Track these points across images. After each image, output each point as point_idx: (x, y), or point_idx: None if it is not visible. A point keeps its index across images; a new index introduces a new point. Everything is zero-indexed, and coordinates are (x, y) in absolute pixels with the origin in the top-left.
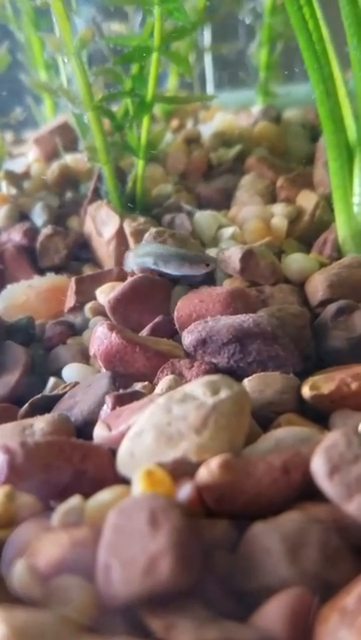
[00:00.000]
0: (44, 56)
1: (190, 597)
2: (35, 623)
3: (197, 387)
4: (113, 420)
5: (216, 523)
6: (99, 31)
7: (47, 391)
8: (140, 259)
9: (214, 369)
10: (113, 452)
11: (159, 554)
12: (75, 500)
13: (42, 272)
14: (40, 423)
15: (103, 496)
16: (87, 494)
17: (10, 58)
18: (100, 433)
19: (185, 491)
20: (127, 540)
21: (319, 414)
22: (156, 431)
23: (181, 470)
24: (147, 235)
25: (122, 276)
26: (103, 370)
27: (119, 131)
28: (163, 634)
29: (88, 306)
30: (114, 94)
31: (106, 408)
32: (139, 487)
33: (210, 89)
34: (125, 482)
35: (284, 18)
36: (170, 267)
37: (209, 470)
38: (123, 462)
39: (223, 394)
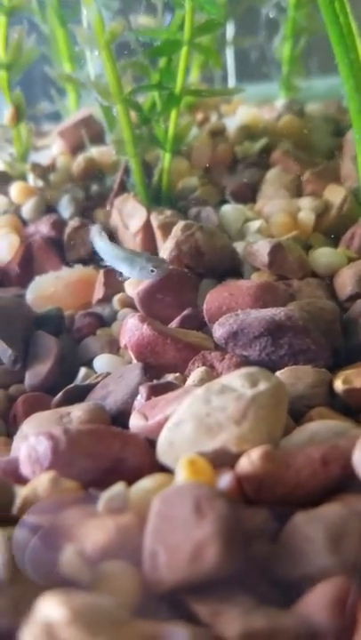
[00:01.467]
0: (70, 49)
1: (234, 585)
2: (92, 606)
3: (235, 378)
4: (149, 410)
5: (256, 512)
6: (127, 24)
7: (78, 381)
8: (112, 260)
9: (245, 362)
10: (149, 442)
11: (205, 541)
12: (119, 487)
13: (68, 264)
14: (77, 411)
15: (145, 483)
16: (126, 481)
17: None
18: (136, 422)
19: (225, 480)
20: (172, 527)
21: (348, 408)
22: (196, 421)
23: (221, 460)
24: (175, 228)
25: None
26: (134, 361)
27: (146, 124)
28: (209, 620)
29: (116, 298)
30: (143, 87)
31: (140, 398)
32: (182, 476)
33: (231, 82)
34: (164, 470)
35: (309, 12)
36: (124, 269)
37: (250, 461)
38: (162, 451)
39: (262, 386)
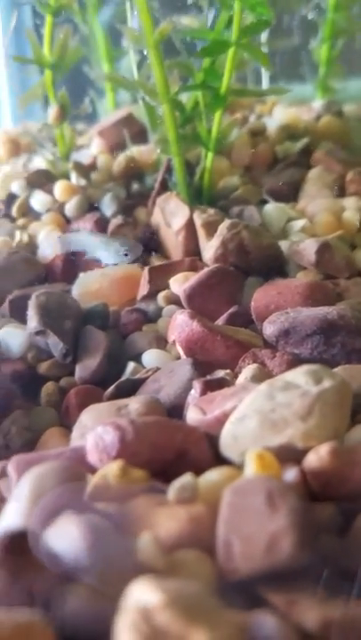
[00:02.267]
0: (110, 49)
1: (307, 576)
2: (185, 592)
3: (299, 375)
4: (206, 405)
5: (323, 507)
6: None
7: (127, 375)
8: (71, 244)
9: (297, 360)
10: (207, 435)
11: (280, 532)
12: (188, 478)
13: None
14: (135, 404)
15: (212, 475)
16: (188, 473)
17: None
18: (194, 416)
19: (290, 474)
20: (246, 519)
21: None
22: (260, 417)
23: (286, 455)
24: (221, 226)
25: (193, 266)
26: (182, 356)
27: (188, 123)
28: (284, 609)
29: (162, 294)
30: (189, 87)
31: (194, 393)
32: (251, 469)
33: (264, 83)
34: (223, 463)
35: (348, 14)
36: (100, 255)
37: (318, 456)
38: (226, 445)
39: (326, 383)
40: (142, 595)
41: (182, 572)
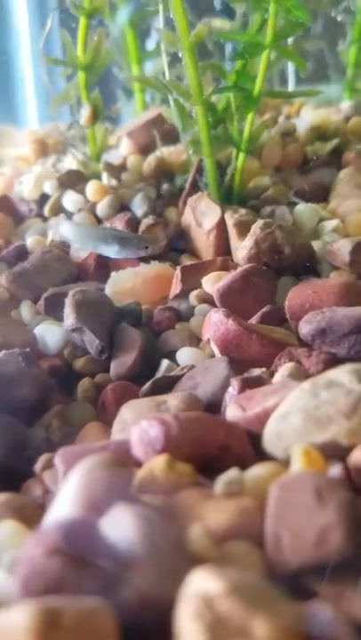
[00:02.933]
0: (139, 51)
1: (356, 568)
2: (244, 581)
3: (342, 374)
4: (245, 402)
5: None
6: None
7: (161, 372)
8: (77, 240)
9: (333, 359)
10: (247, 431)
11: (329, 526)
12: (233, 473)
13: (143, 260)
14: (174, 400)
15: (258, 470)
16: (231, 468)
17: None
18: (233, 413)
19: (335, 470)
20: (295, 512)
21: None
22: (304, 414)
23: (330, 452)
24: (254, 226)
25: (225, 266)
26: (217, 354)
27: (220, 124)
28: (334, 600)
29: (194, 293)
30: (223, 89)
31: (231, 390)
32: (297, 465)
33: (290, 84)
34: (267, 459)
35: None
36: (111, 250)
37: None
38: (269, 441)
39: None
40: (204, 583)
41: (233, 563)
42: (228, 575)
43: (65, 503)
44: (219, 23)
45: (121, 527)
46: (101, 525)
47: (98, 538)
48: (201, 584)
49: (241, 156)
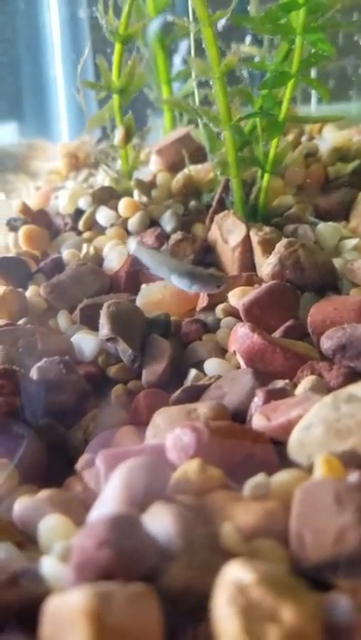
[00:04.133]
0: (168, 73)
1: None
2: (272, 573)
3: None
4: (270, 413)
5: None
6: (237, 54)
7: (189, 381)
8: (152, 266)
9: (352, 372)
10: (271, 440)
11: (347, 527)
12: (261, 477)
13: None
14: (203, 408)
15: (283, 476)
16: (257, 474)
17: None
18: (259, 422)
19: (354, 477)
20: (316, 514)
21: None
22: (326, 426)
23: (349, 460)
24: (278, 244)
25: (250, 281)
26: (243, 366)
27: (246, 146)
28: (350, 593)
29: (220, 307)
30: (250, 115)
31: (257, 401)
32: (319, 472)
33: (313, 102)
34: (288, 466)
35: None
36: (182, 283)
37: None
38: (294, 450)
39: None
40: (238, 573)
41: (260, 558)
42: (259, 567)
43: (109, 500)
44: (247, 49)
45: (161, 523)
46: (144, 521)
47: (141, 531)
48: (235, 574)
49: (266, 176)
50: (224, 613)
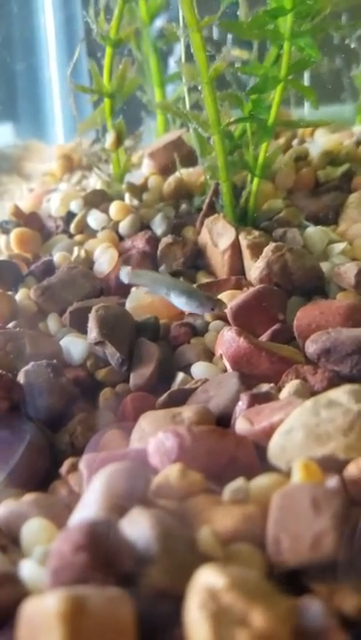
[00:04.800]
0: (161, 76)
1: (347, 570)
2: (245, 577)
3: (341, 394)
4: (254, 416)
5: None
6: (226, 59)
7: (177, 384)
8: (148, 285)
9: (337, 376)
10: (254, 444)
11: (323, 532)
12: (240, 482)
13: None
14: (187, 412)
15: (262, 480)
16: (238, 477)
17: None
18: (242, 426)
19: (332, 482)
20: (294, 519)
21: None
22: (306, 430)
23: (328, 465)
24: (266, 248)
25: (238, 285)
26: (229, 369)
27: (236, 150)
28: (326, 597)
29: None
30: (239, 119)
31: (241, 405)
32: (297, 476)
33: (306, 105)
34: (269, 470)
35: None
36: (179, 301)
37: (358, 467)
38: (274, 454)
39: None
40: (209, 578)
41: (237, 562)
42: (231, 572)
43: (89, 505)
44: (237, 53)
45: (139, 527)
46: (122, 525)
47: (118, 536)
48: (207, 579)
49: (256, 180)
50: (195, 618)
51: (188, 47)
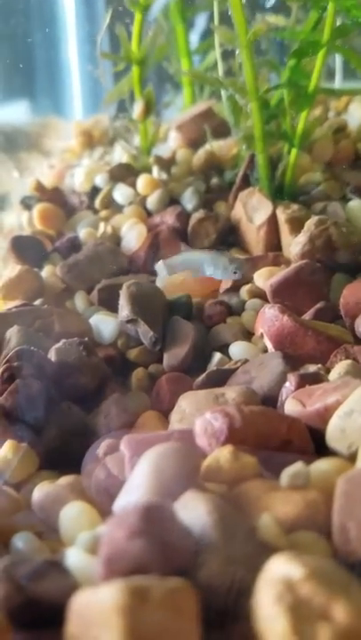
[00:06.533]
0: (188, 45)
1: None
2: (322, 568)
3: None
4: (305, 398)
5: None
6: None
7: (213, 365)
8: (177, 267)
9: None
10: (307, 426)
11: None
12: (299, 466)
13: None
14: (231, 393)
15: (323, 465)
16: (293, 462)
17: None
18: (293, 408)
19: None
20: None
21: None
22: None
23: None
24: (308, 222)
25: (276, 261)
26: (270, 349)
27: (272, 119)
28: None
29: (245, 288)
30: (278, 86)
31: (288, 385)
32: None
33: (338, 79)
34: (328, 454)
35: None
36: (210, 272)
37: None
38: (333, 437)
39: None
40: (284, 568)
41: (301, 551)
42: (307, 561)
43: (137, 488)
44: (273, 19)
45: (195, 513)
46: (176, 510)
47: (176, 522)
48: (281, 569)
49: (293, 151)
50: (270, 612)
51: (220, 14)
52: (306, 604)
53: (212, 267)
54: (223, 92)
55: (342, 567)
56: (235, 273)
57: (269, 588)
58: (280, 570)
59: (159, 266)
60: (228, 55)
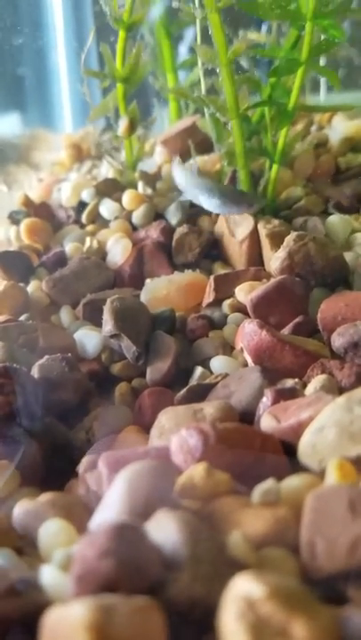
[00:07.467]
0: (173, 61)
1: None
2: (284, 586)
3: None
4: (280, 413)
5: None
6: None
7: (195, 379)
8: (182, 186)
9: None
10: (281, 442)
11: None
12: (270, 482)
13: (176, 268)
14: (209, 409)
15: (294, 481)
16: (266, 478)
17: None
18: (268, 424)
19: None
20: (329, 522)
21: None
22: (339, 428)
23: None
24: (287, 238)
25: (258, 276)
26: (250, 363)
27: (253, 135)
28: None
29: (227, 302)
30: (258, 104)
31: (265, 400)
32: (333, 477)
33: (322, 92)
34: (300, 470)
35: None
36: (211, 204)
37: None
38: (305, 453)
39: None
40: (247, 586)
41: (270, 568)
42: (269, 580)
43: (111, 505)
44: (255, 36)
45: (166, 531)
46: (148, 529)
47: (145, 541)
48: (244, 587)
49: (275, 167)
50: (232, 629)
51: (203, 30)
52: (266, 621)
53: (220, 197)
54: (206, 109)
55: (306, 584)
56: (250, 206)
57: (232, 606)
58: (243, 588)
59: (176, 165)
60: (211, 72)
